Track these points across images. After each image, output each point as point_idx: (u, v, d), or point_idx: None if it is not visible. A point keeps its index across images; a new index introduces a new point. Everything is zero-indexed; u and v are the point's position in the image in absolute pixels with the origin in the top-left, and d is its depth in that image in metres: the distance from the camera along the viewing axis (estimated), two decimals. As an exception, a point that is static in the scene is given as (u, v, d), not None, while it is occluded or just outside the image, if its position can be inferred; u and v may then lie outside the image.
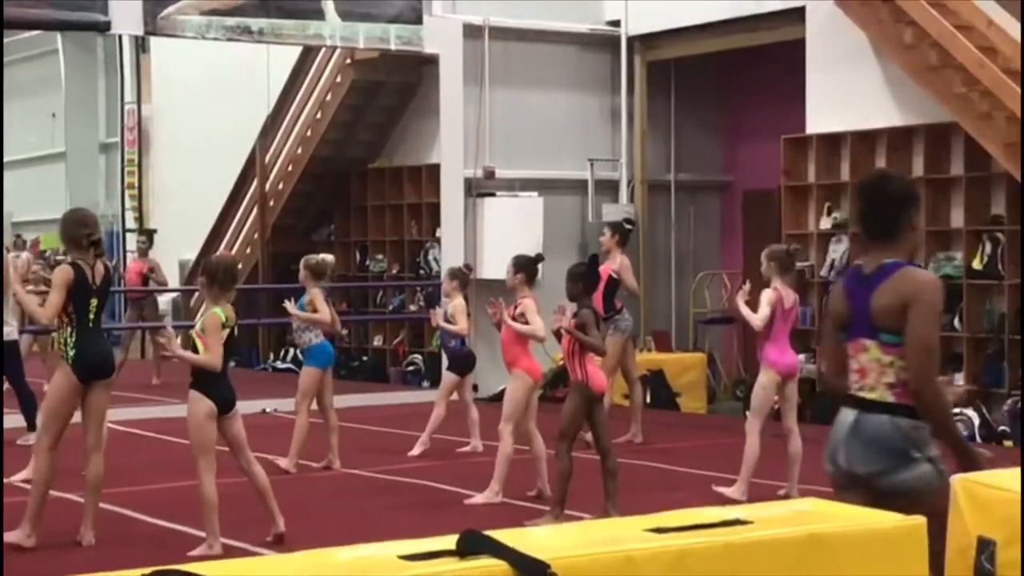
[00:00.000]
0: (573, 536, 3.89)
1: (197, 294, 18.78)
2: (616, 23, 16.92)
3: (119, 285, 17.03)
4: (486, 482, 9.58)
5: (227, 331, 7.89)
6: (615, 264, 12.07)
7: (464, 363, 11.56)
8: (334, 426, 10.97)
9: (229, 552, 7.66)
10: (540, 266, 9.84)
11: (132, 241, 20.99)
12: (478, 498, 9.49)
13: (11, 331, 11.25)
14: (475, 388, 12.47)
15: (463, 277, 11.60)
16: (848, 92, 14.21)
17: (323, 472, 10.80)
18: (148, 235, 17.96)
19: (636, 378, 12.39)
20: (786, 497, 9.18)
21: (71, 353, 8.12)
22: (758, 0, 15.16)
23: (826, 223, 14.56)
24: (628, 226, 12.79)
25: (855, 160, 14.25)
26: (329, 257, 11.57)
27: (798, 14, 14.76)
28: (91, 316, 8.18)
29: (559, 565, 3.46)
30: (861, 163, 14.11)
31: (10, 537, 8.03)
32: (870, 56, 13.92)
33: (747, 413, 9.66)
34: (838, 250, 14.43)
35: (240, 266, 15.99)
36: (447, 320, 11.23)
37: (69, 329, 8.14)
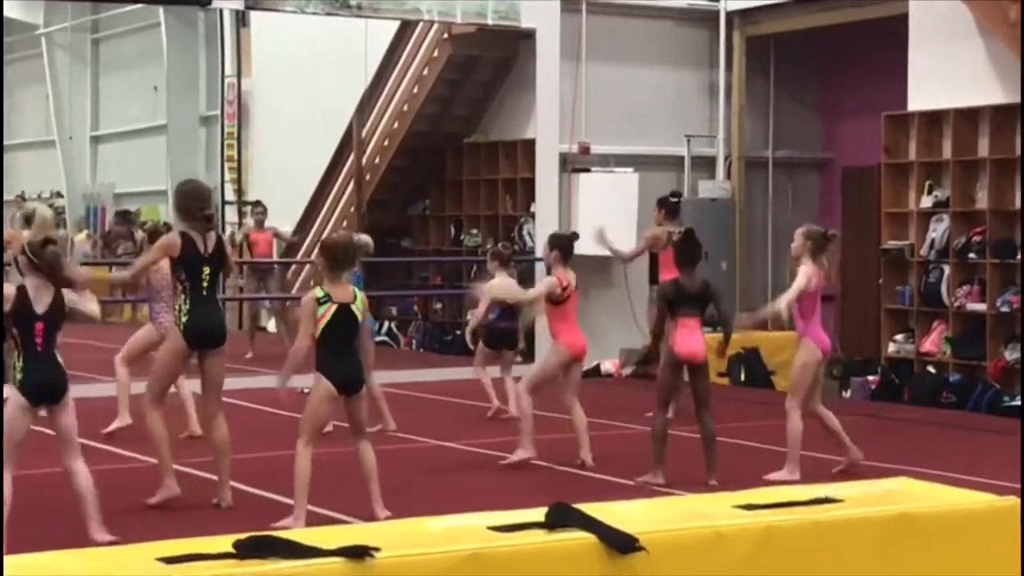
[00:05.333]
0: (662, 511, 3.92)
1: (307, 268, 19.03)
2: (715, -2, 16.81)
3: (244, 256, 17.26)
4: (573, 454, 9.77)
5: (330, 307, 7.74)
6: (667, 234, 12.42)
7: (496, 338, 11.93)
8: (378, 394, 11.20)
9: (321, 520, 7.74)
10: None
11: (231, 213, 21.29)
12: (511, 458, 9.79)
13: None
14: None
15: (502, 256, 11.87)
16: (951, 69, 14.00)
17: (413, 443, 10.92)
18: (261, 205, 18.18)
19: None
20: (843, 471, 9.23)
21: (183, 320, 8.31)
22: (860, -25, 14.98)
23: (927, 201, 14.38)
24: (673, 199, 12.92)
25: (957, 138, 14.06)
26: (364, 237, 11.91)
27: (901, -11, 14.56)
28: (204, 285, 8.33)
29: (647, 539, 3.48)
30: (963, 141, 13.92)
31: (157, 498, 8.28)
32: (974, 32, 13.70)
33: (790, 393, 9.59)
34: (938, 229, 14.23)
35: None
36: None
37: (183, 297, 8.33)
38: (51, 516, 7.78)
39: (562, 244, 10.03)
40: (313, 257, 9.01)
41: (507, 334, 12.04)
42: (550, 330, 10.05)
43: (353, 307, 7.78)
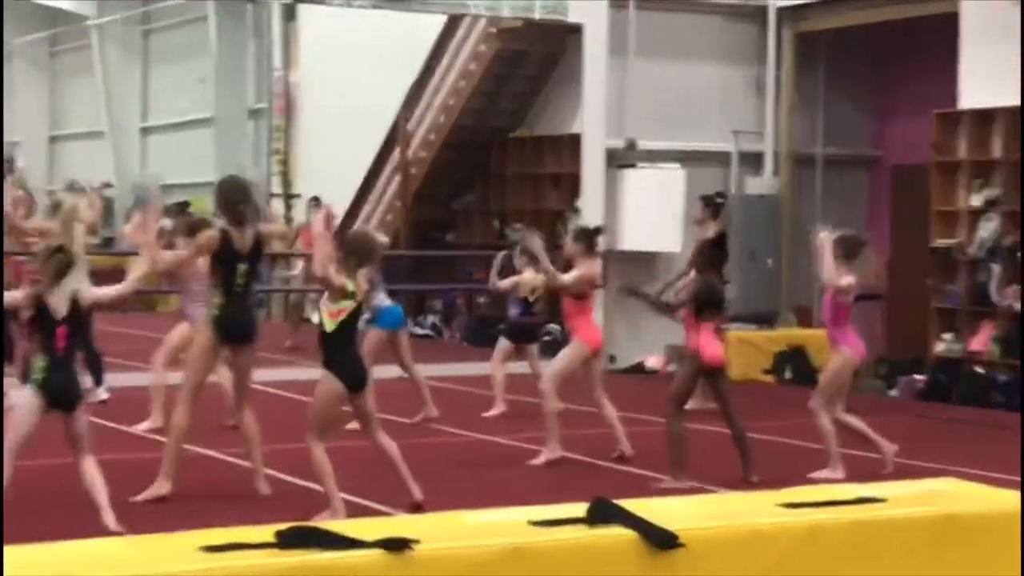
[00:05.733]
0: (703, 508, 3.90)
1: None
2: (764, -7, 16.72)
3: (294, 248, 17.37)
4: (611, 449, 9.85)
5: (351, 305, 7.68)
6: (710, 233, 12.89)
7: (518, 332, 12.02)
8: (420, 381, 11.45)
9: (362, 511, 7.76)
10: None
11: (279, 205, 21.38)
12: (537, 460, 9.80)
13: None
14: (612, 359, 12.63)
15: (529, 253, 11.84)
16: (1002, 67, 13.87)
17: (454, 437, 10.93)
18: (317, 200, 18.31)
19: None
20: (890, 471, 9.19)
21: (215, 315, 8.34)
22: (911, -29, 14.87)
23: (977, 200, 14.27)
24: (719, 199, 13.13)
25: (1008, 136, 13.94)
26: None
27: (953, -14, 14.45)
28: (238, 281, 8.34)
29: (688, 536, 3.46)
30: (1014, 140, 13.80)
31: (149, 491, 8.25)
32: (1026, 30, 13.58)
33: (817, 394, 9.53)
34: (988, 228, 14.12)
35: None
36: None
37: (217, 292, 8.35)
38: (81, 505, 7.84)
39: (586, 238, 10.00)
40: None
41: (529, 329, 12.11)
42: (568, 324, 10.05)
43: (363, 305, 7.84)
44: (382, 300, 11.28)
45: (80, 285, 7.50)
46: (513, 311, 12.08)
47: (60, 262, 7.31)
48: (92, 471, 7.41)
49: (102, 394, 11.79)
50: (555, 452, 9.81)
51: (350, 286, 7.70)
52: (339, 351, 7.70)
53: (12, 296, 7.46)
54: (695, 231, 13.62)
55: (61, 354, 7.28)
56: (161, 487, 8.28)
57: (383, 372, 11.33)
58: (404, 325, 11.86)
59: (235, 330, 8.38)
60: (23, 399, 7.38)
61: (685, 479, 8.89)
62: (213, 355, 8.50)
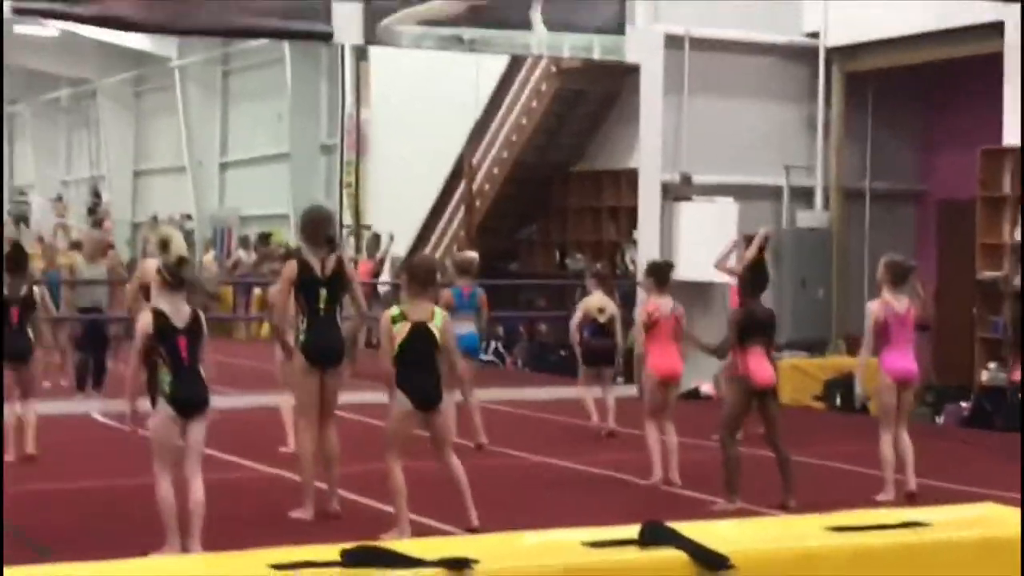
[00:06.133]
0: (754, 530, 3.87)
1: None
2: (815, 35, 16.65)
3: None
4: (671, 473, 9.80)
5: (405, 325, 7.70)
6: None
7: (593, 355, 12.01)
8: (474, 406, 11.36)
9: (424, 530, 7.76)
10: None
11: (349, 238, 21.51)
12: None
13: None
14: None
15: (600, 276, 12.35)
16: (1046, 104, 13.75)
17: (514, 459, 10.92)
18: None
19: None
20: (911, 494, 9.12)
21: (301, 339, 8.37)
22: (957, 14, 14.76)
23: (1021, 234, 14.12)
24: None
25: (1051, 172, 13.80)
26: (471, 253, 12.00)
27: (997, 28, 14.34)
28: (321, 306, 8.36)
29: (738, 558, 3.43)
30: (1057, 175, 13.65)
31: (296, 513, 8.31)
32: (1069, 69, 13.45)
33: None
34: (1032, 260, 13.96)
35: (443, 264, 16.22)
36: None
37: (301, 317, 8.39)
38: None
39: (657, 272, 10.07)
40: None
41: (603, 351, 12.05)
42: (644, 352, 10.10)
43: (430, 325, 7.76)
44: (459, 327, 11.20)
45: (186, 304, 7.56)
46: (586, 333, 12.02)
47: (180, 276, 7.42)
48: (198, 489, 7.38)
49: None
50: (655, 477, 9.76)
51: (396, 311, 7.74)
52: (404, 372, 7.72)
53: (142, 320, 7.49)
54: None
55: (185, 364, 7.34)
56: (306, 511, 8.36)
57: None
58: (476, 353, 11.85)
59: (322, 352, 8.39)
60: (155, 419, 7.40)
61: (738, 501, 8.85)
62: (314, 378, 8.44)
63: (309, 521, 8.30)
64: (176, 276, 7.39)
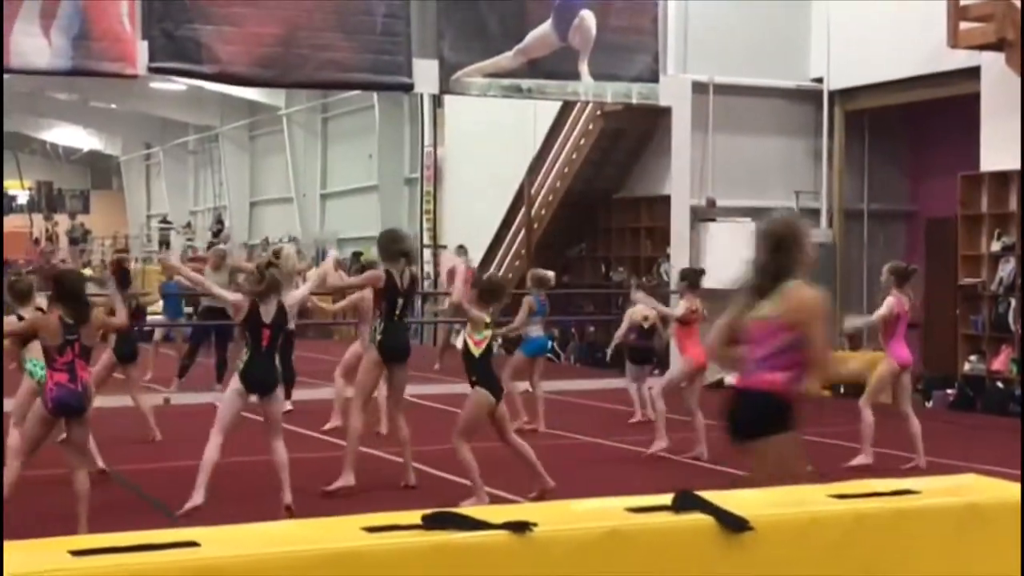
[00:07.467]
0: (770, 498, 3.83)
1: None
2: (819, 80, 16.54)
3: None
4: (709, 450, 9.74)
5: (488, 335, 7.74)
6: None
7: (639, 355, 11.88)
8: (539, 396, 11.34)
9: (497, 499, 7.75)
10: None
11: (428, 253, 21.61)
12: (650, 450, 9.87)
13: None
14: None
15: (645, 287, 12.39)
16: (1017, 137, 13.56)
17: (568, 440, 10.90)
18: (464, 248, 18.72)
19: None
20: (915, 468, 9.02)
21: (378, 338, 8.40)
22: (940, 60, 14.60)
23: (996, 246, 13.95)
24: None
25: (1022, 194, 13.60)
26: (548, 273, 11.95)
27: (974, 72, 14.18)
28: (397, 312, 8.40)
29: (757, 521, 3.41)
30: (1028, 196, 13.45)
31: (337, 483, 8.27)
32: (1037, 106, 13.25)
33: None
34: (1006, 268, 13.81)
35: (509, 277, 16.25)
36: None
37: (379, 320, 8.41)
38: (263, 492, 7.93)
39: (690, 277, 10.17)
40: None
41: (647, 351, 11.98)
42: (678, 345, 10.19)
43: (517, 331, 7.90)
44: (532, 331, 11.23)
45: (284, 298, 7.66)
46: (632, 337, 11.91)
47: (272, 279, 7.54)
48: (281, 451, 7.51)
49: (287, 405, 11.94)
50: (662, 443, 9.84)
51: (487, 319, 7.76)
52: (485, 371, 7.75)
53: (234, 297, 7.63)
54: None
55: (264, 349, 7.43)
56: (347, 479, 8.31)
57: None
58: (545, 353, 11.90)
59: (394, 351, 8.43)
60: (229, 388, 7.53)
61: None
62: (378, 371, 8.53)
63: (393, 491, 8.29)
64: (263, 274, 7.55)
